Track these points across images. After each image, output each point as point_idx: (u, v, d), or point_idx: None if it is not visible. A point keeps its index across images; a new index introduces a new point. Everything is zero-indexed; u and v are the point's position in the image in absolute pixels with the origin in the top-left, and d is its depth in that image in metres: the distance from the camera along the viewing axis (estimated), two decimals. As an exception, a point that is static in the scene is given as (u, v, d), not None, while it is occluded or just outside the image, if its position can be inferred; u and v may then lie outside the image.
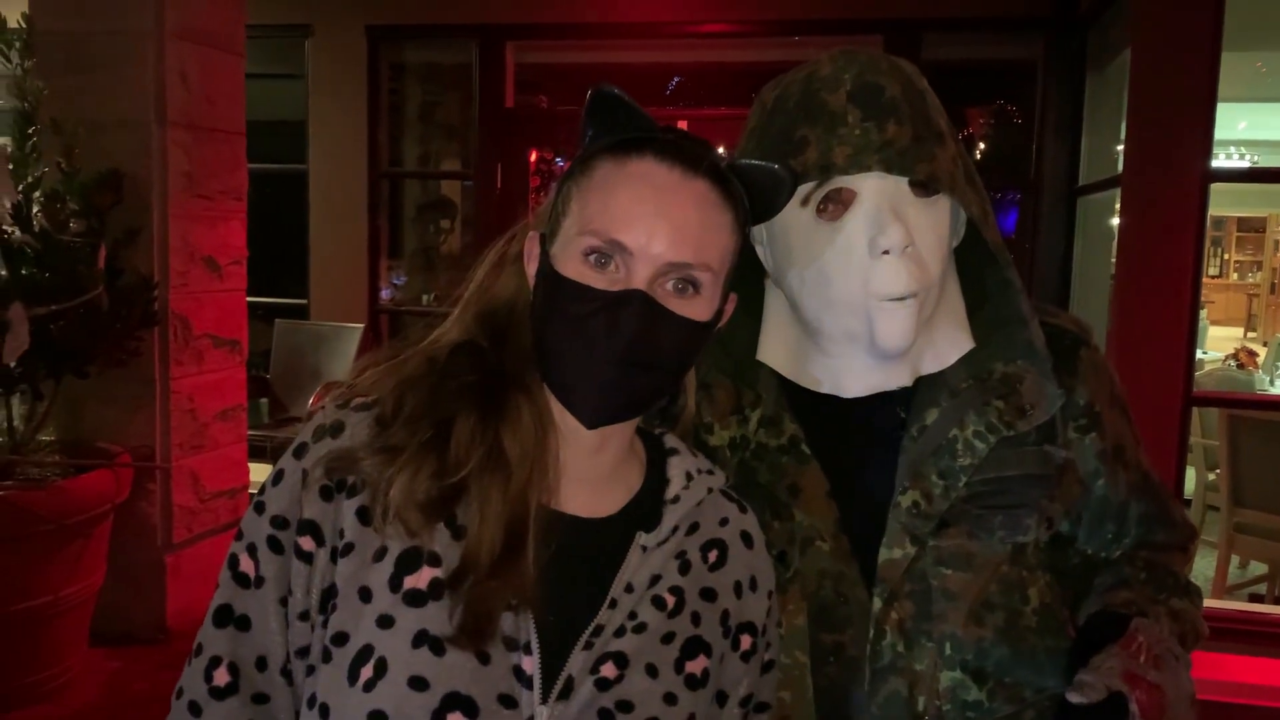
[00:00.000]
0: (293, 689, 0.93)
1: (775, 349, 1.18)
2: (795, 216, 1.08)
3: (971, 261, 1.16)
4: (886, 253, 1.03)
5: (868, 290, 1.05)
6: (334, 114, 5.69)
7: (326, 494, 0.91)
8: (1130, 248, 3.50)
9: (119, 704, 3.13)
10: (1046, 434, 1.12)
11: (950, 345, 1.14)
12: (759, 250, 1.16)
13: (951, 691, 1.07)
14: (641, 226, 0.90)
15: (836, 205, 1.06)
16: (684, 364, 0.98)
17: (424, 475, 0.89)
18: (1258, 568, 4.97)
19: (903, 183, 1.05)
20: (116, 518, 3.28)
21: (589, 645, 0.91)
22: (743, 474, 1.12)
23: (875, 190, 1.04)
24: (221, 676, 0.92)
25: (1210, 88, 3.34)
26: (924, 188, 1.06)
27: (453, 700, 0.85)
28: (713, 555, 1.01)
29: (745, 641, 1.02)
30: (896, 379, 1.12)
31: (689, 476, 1.01)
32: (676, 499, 0.99)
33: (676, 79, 6.46)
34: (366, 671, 0.86)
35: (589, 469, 0.98)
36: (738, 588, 1.01)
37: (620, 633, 0.92)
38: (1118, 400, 1.19)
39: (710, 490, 1.03)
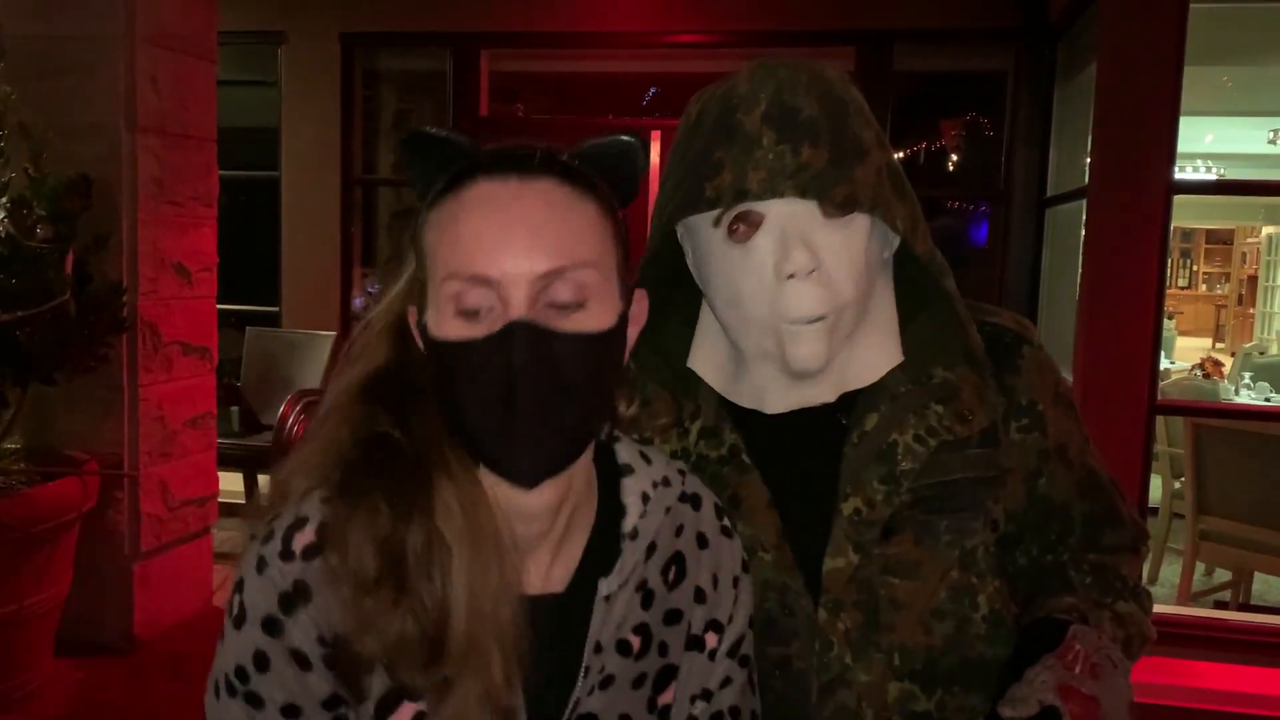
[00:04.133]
0: None
1: (707, 361, 1.17)
2: (710, 237, 1.07)
3: (911, 267, 1.14)
4: (792, 276, 1.02)
5: (776, 313, 1.03)
6: (307, 121, 5.66)
7: (304, 662, 0.85)
8: (1096, 258, 3.54)
9: (85, 714, 3.09)
10: (989, 435, 1.11)
11: (880, 357, 1.12)
12: (690, 265, 1.14)
13: (900, 703, 1.06)
14: (495, 249, 0.81)
15: (746, 226, 1.04)
16: (604, 382, 0.88)
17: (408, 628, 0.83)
18: (1223, 574, 5.02)
19: (813, 205, 1.02)
20: (84, 526, 3.24)
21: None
22: None
23: (782, 214, 1.02)
24: None
25: (1174, 100, 3.39)
26: (838, 208, 1.03)
27: None
28: (671, 573, 0.98)
29: (710, 640, 0.99)
30: (818, 396, 1.11)
31: (645, 498, 0.97)
32: (635, 533, 0.95)
33: (653, 90, 6.48)
34: None
35: (543, 534, 0.91)
36: (699, 594, 0.99)
37: (589, 692, 0.90)
38: (1062, 398, 1.17)
39: (668, 509, 0.98)
